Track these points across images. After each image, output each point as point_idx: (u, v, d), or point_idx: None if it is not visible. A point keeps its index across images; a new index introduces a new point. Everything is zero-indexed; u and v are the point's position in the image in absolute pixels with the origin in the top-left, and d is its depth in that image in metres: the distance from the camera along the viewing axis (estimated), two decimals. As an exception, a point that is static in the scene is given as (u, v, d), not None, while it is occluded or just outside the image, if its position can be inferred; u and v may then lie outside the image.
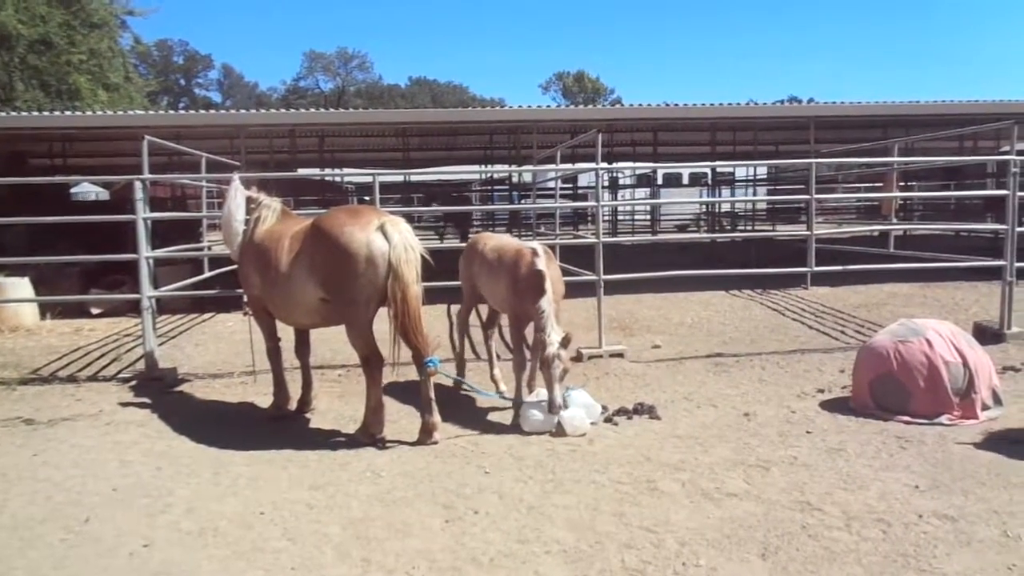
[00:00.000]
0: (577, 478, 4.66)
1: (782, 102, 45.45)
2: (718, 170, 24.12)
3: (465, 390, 6.74)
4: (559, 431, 5.51)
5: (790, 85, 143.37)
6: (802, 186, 16.10)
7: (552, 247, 11.80)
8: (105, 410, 6.49)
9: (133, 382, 7.37)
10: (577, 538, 3.82)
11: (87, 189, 26.32)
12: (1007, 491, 4.24)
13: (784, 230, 19.73)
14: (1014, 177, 8.02)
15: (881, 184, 21.69)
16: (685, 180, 32.42)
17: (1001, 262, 8.29)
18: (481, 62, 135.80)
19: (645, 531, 3.88)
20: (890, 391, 5.77)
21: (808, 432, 5.47)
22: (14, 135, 13.82)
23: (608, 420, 5.89)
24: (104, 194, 23.63)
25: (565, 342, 5.56)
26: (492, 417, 6.08)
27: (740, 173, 27.17)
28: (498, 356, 7.23)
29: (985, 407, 5.69)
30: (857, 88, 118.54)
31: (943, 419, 5.55)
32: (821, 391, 6.62)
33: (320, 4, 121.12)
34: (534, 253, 5.84)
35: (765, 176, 25.99)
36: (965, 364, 5.67)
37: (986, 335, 8.30)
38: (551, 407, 5.47)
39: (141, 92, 22.31)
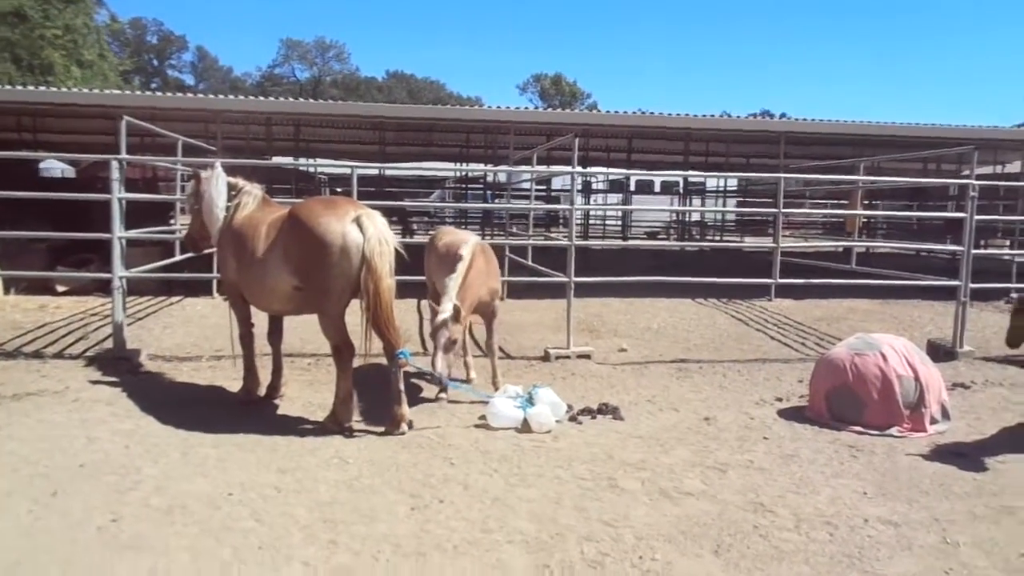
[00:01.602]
0: (541, 473, 4.79)
1: (755, 115, 46.22)
2: (690, 180, 24.48)
3: (431, 381, 6.80)
4: (525, 427, 5.64)
5: (766, 98, 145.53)
6: (770, 200, 16.42)
7: (524, 248, 12.02)
8: (72, 387, 6.48)
9: (100, 361, 7.34)
10: (539, 529, 3.96)
11: (52, 165, 25.85)
12: (948, 501, 4.47)
13: (752, 242, 20.15)
14: (972, 200, 8.34)
15: (847, 201, 22.28)
16: (657, 188, 32.82)
17: (956, 282, 8.61)
18: (460, 60, 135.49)
19: (605, 525, 4.03)
20: (845, 402, 6.00)
21: (765, 438, 5.66)
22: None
23: (573, 419, 6.02)
24: (70, 171, 23.28)
25: (456, 315, 5.72)
26: (459, 410, 6.18)
27: (711, 184, 27.61)
28: (466, 351, 7.30)
29: (934, 421, 5.94)
30: (832, 104, 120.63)
31: (894, 431, 5.78)
32: (779, 399, 6.82)
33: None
34: (465, 242, 6.21)
35: (735, 188, 26.44)
36: (917, 379, 5.91)
37: (939, 353, 8.60)
38: (432, 375, 5.72)
39: (115, 70, 22.01)
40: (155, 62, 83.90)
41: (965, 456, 5.24)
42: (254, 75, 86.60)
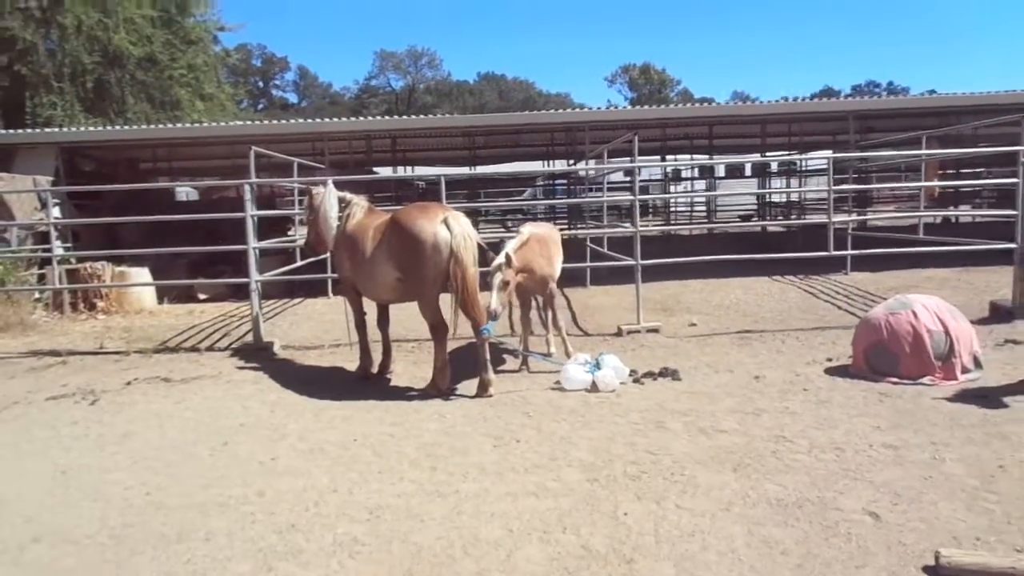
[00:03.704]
0: (601, 419, 5.80)
1: (819, 94, 44.86)
2: (776, 162, 24.68)
3: (521, 355, 7.91)
4: (593, 388, 6.65)
5: (868, 69, 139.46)
6: (849, 177, 16.67)
7: (599, 239, 12.94)
8: (224, 372, 7.96)
9: (244, 351, 8.84)
10: (594, 457, 4.98)
11: (178, 189, 28.67)
12: (951, 430, 5.19)
13: (837, 219, 20.26)
14: (1022, 167, 8.72)
15: (941, 172, 21.99)
16: (748, 172, 32.84)
17: (1012, 245, 8.99)
18: (548, 56, 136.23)
19: (648, 453, 5.01)
20: (882, 357, 6.69)
21: (804, 390, 6.45)
22: (131, 144, 15.70)
23: (636, 380, 6.98)
24: (193, 194, 25.82)
25: (508, 261, 6.64)
26: (539, 378, 7.25)
27: (802, 165, 27.56)
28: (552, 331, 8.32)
29: (966, 370, 6.55)
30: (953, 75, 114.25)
31: (925, 380, 6.45)
32: (829, 360, 7.53)
33: (390, 2, 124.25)
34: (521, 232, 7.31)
35: (820, 167, 26.32)
36: (947, 332, 6.54)
37: (1000, 313, 9.03)
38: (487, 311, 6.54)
39: (231, 99, 24.36)
40: (260, 84, 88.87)
41: (985, 398, 5.87)
42: (352, 88, 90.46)
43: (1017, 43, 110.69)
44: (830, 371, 7.09)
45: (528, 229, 7.44)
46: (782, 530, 3.80)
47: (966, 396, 5.99)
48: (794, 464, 4.71)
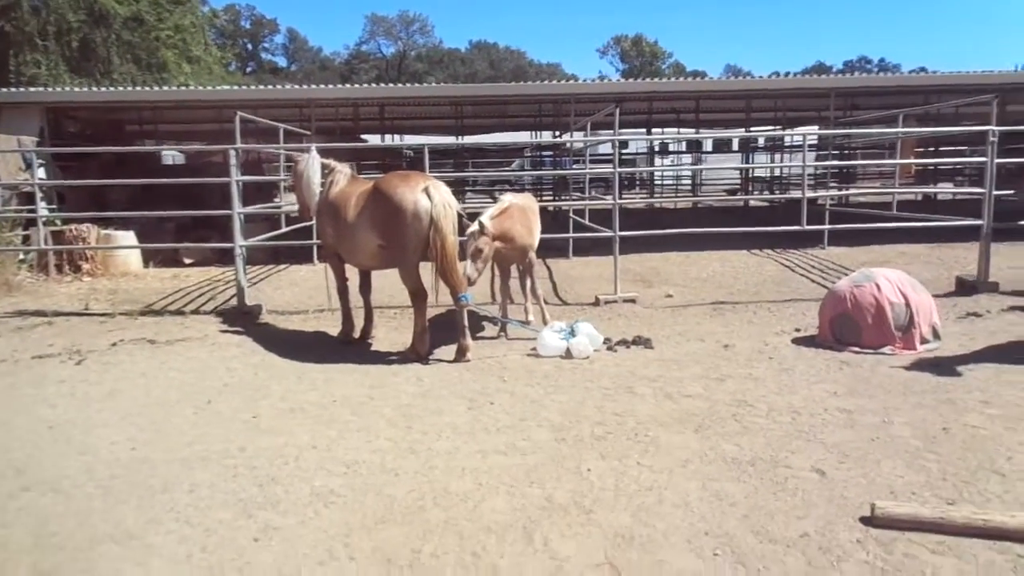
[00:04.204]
0: (573, 384, 6.03)
1: (808, 70, 44.99)
2: (762, 137, 24.83)
3: (497, 321, 8.12)
4: (567, 355, 6.88)
5: (860, 44, 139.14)
6: (837, 152, 16.86)
7: (580, 210, 13.09)
8: (209, 334, 8.13)
9: (229, 315, 9.01)
10: (563, 419, 5.20)
11: (163, 152, 28.51)
12: (904, 396, 5.45)
13: (811, 195, 20.57)
14: (992, 146, 8.96)
15: (920, 150, 22.24)
16: (735, 146, 32.97)
17: (979, 222, 9.24)
18: (541, 26, 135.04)
19: (615, 415, 5.24)
20: (846, 327, 6.95)
21: (770, 358, 6.70)
22: (114, 106, 15.65)
23: (609, 348, 7.21)
24: (180, 158, 25.73)
25: (482, 228, 6.95)
26: (516, 344, 7.47)
27: (790, 140, 27.73)
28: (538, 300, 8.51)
29: (925, 340, 6.82)
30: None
31: (886, 349, 6.71)
32: (797, 330, 7.78)
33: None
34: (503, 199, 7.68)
35: (813, 143, 26.49)
36: (908, 304, 6.79)
37: (965, 287, 9.32)
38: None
39: (219, 62, 24.16)
40: (249, 46, 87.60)
41: (939, 366, 6.14)
42: (342, 53, 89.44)
43: (1002, 22, 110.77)
44: (797, 341, 7.34)
45: (508, 198, 7.61)
46: (734, 485, 4.04)
47: (921, 364, 6.25)
48: (752, 426, 4.95)
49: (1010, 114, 18.46)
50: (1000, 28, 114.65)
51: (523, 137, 27.02)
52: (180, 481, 4.32)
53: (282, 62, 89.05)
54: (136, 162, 15.58)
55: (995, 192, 9.13)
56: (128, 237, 12.45)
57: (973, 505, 3.70)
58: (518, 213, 7.53)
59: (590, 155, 21.32)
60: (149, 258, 12.83)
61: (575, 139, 17.42)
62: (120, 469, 4.53)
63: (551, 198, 18.84)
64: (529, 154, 29.17)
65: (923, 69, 40.17)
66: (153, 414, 5.54)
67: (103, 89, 14.48)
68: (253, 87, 16.20)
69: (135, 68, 19.00)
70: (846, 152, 22.00)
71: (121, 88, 15.38)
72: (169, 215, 11.74)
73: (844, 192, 17.31)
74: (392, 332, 8.22)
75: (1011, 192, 11.09)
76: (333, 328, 8.22)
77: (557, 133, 21.51)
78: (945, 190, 17.61)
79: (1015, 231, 10.84)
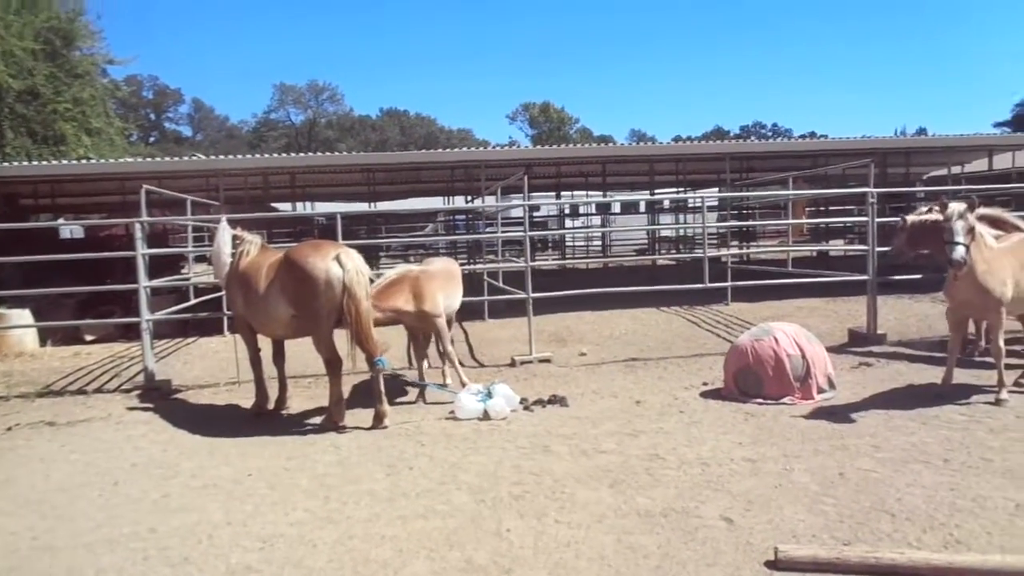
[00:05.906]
0: (491, 445, 6.10)
1: (709, 135, 47.62)
2: (665, 200, 25.94)
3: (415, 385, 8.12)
4: (485, 416, 6.96)
5: (755, 109, 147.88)
6: (738, 212, 17.79)
7: (495, 273, 13.36)
8: (114, 414, 7.83)
9: (134, 392, 8.70)
10: (481, 480, 5.26)
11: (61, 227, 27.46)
12: (802, 444, 5.76)
13: (712, 254, 21.58)
14: (872, 207, 9.70)
15: (812, 209, 23.65)
16: (642, 208, 34.27)
17: (864, 277, 9.92)
18: (451, 92, 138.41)
19: (532, 475, 5.33)
20: (749, 379, 7.31)
21: (680, 412, 6.96)
22: (9, 180, 15.09)
23: (526, 408, 7.33)
24: (79, 231, 24.84)
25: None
26: (434, 409, 7.50)
27: (693, 202, 29.06)
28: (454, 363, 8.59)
29: (821, 390, 7.24)
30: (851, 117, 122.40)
31: (786, 400, 7.08)
32: (705, 384, 8.11)
33: (290, 36, 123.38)
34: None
35: (714, 204, 27.84)
36: (804, 356, 7.22)
37: (857, 338, 9.92)
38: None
39: (120, 134, 23.62)
40: (152, 116, 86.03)
41: (834, 414, 6.53)
42: (250, 122, 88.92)
43: (883, 87, 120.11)
44: (705, 394, 7.65)
45: (400, 269, 7.77)
46: (647, 537, 4.18)
47: (818, 413, 6.64)
48: (664, 479, 5.13)
49: (891, 176, 20.03)
50: (882, 93, 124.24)
51: (436, 202, 27.37)
52: (85, 568, 4.15)
53: (187, 131, 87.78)
54: (31, 237, 14.98)
55: (877, 249, 9.81)
56: (23, 315, 11.88)
57: (867, 544, 3.95)
58: (412, 283, 7.61)
59: (502, 219, 21.82)
60: (47, 336, 12.25)
61: (487, 204, 17.83)
62: (18, 560, 4.31)
63: (466, 261, 19.01)
64: (442, 219, 29.51)
65: (813, 134, 42.94)
66: (55, 500, 5.30)
67: (-2, 164, 14.02)
68: (157, 159, 15.93)
69: (30, 142, 18.41)
70: (745, 212, 23.24)
71: (15, 163, 14.89)
72: (67, 291, 11.31)
73: (744, 251, 18.19)
74: (307, 402, 8.10)
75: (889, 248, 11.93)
76: (246, 401, 8.05)
77: (470, 198, 21.89)
78: (836, 248, 18.80)
79: (904, 283, 11.66)
